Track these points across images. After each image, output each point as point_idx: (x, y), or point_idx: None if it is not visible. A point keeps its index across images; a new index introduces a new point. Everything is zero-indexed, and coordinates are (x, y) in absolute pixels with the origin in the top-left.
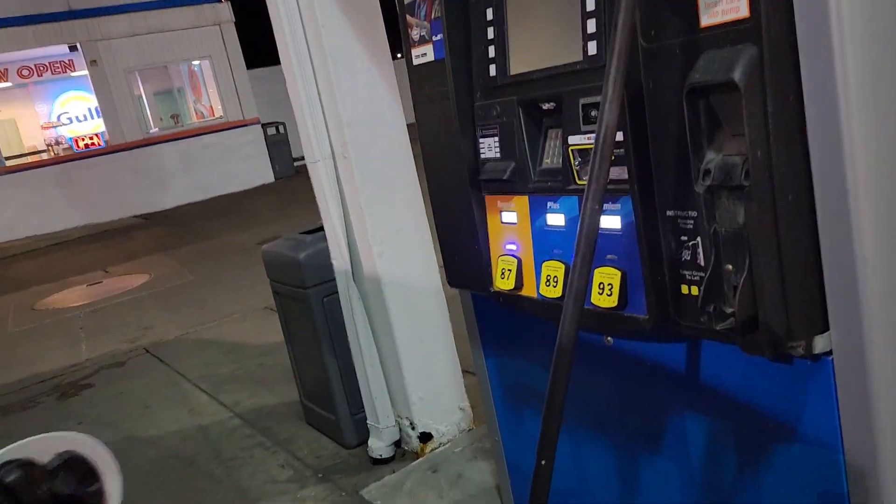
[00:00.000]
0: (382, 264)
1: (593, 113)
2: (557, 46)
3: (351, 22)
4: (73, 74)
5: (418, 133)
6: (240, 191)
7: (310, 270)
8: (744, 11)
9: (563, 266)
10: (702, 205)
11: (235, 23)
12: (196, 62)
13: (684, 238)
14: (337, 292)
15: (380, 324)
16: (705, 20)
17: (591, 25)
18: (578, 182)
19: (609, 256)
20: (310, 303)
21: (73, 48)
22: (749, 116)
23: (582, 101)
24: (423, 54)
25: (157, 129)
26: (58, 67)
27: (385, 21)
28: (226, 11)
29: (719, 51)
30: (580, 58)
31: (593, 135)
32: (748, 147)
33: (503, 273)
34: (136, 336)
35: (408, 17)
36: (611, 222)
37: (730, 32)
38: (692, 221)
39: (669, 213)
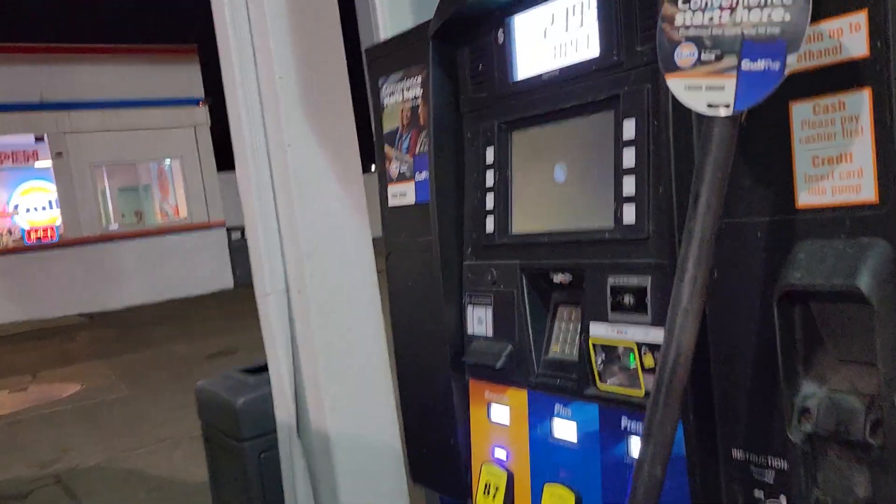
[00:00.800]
0: (334, 419)
1: (626, 299)
2: (578, 205)
3: (321, 142)
4: (36, 165)
5: (388, 285)
6: (196, 295)
7: (248, 419)
8: (869, 194)
9: (572, 496)
10: (797, 457)
11: (210, 125)
12: (167, 161)
13: (760, 495)
14: (277, 447)
15: (325, 490)
16: (804, 198)
17: (629, 185)
18: (601, 387)
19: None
20: (244, 457)
21: (39, 139)
22: (883, 343)
23: (611, 280)
24: (403, 194)
25: (117, 225)
26: (21, 157)
27: (357, 126)
28: (202, 114)
29: (828, 243)
30: (610, 224)
31: (623, 326)
32: (882, 386)
33: (488, 488)
34: (50, 459)
35: (386, 147)
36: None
37: (844, 219)
38: (775, 473)
39: (738, 454)
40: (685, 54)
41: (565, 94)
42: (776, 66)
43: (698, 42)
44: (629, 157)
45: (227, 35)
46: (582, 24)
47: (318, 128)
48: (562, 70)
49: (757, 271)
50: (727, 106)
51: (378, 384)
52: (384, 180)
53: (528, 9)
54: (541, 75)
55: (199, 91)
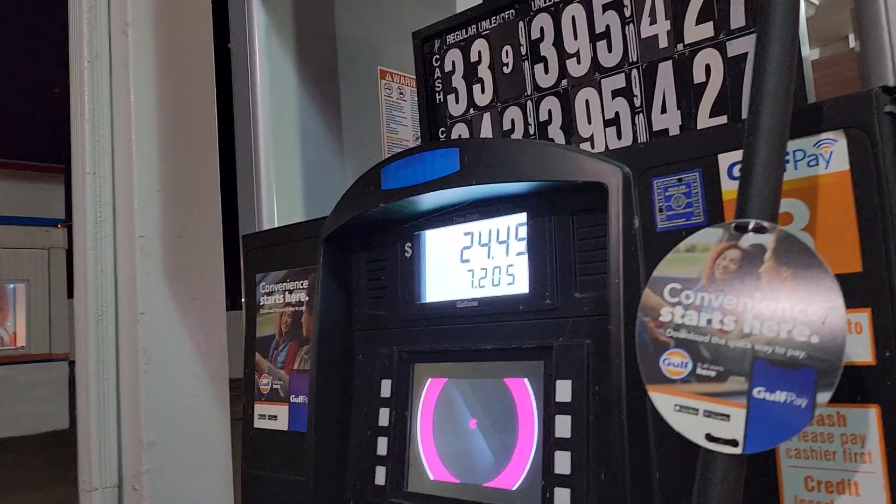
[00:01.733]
0: None
1: None
2: (495, 471)
3: (183, 309)
4: None
5: None
6: (21, 436)
7: None
8: None
9: None
10: None
11: (67, 249)
12: (11, 285)
13: None
14: None
15: None
16: None
17: (563, 463)
18: None
19: None
20: None
21: None
22: None
23: None
24: (273, 416)
25: None
26: None
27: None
28: (59, 237)
29: None
30: None
31: None
32: None
33: None
34: None
35: (258, 356)
36: None
37: None
38: None
39: None
40: (674, 363)
41: (484, 331)
42: (802, 402)
43: (692, 350)
44: (563, 427)
45: (83, 183)
46: (508, 253)
47: (180, 296)
48: (480, 301)
49: None
50: (734, 443)
51: None
52: (251, 395)
53: (444, 225)
54: (454, 303)
55: (59, 212)
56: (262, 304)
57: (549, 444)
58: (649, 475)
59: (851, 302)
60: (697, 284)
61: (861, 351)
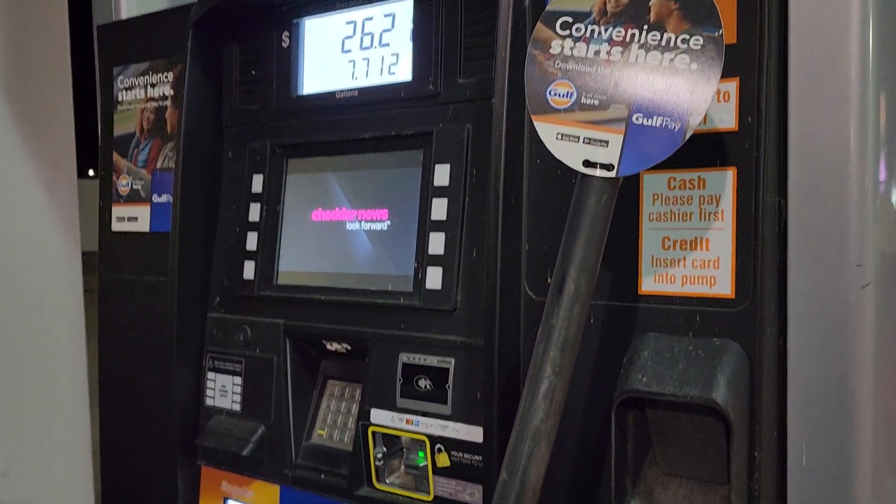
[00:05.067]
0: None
1: (421, 382)
2: (368, 259)
3: (25, 136)
4: None
5: (99, 333)
6: None
7: None
8: (724, 288)
9: None
10: None
11: None
12: None
13: None
14: None
15: None
16: (649, 285)
17: (437, 243)
18: (378, 487)
19: None
20: None
21: None
22: (738, 461)
23: (404, 357)
24: (133, 218)
25: None
26: None
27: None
28: None
29: (676, 341)
30: (409, 287)
31: (414, 416)
32: None
33: None
34: None
35: (116, 156)
36: None
37: (694, 315)
38: None
39: None
40: (560, 93)
41: (363, 121)
42: (676, 125)
43: (579, 80)
44: (439, 210)
45: None
46: (391, 42)
47: (21, 117)
48: (361, 91)
49: (588, 364)
50: (610, 167)
51: (72, 461)
52: (108, 197)
53: (325, 12)
54: (334, 93)
55: None
56: (120, 100)
57: (425, 226)
58: (518, 247)
59: (722, 72)
60: (589, 17)
61: (726, 118)
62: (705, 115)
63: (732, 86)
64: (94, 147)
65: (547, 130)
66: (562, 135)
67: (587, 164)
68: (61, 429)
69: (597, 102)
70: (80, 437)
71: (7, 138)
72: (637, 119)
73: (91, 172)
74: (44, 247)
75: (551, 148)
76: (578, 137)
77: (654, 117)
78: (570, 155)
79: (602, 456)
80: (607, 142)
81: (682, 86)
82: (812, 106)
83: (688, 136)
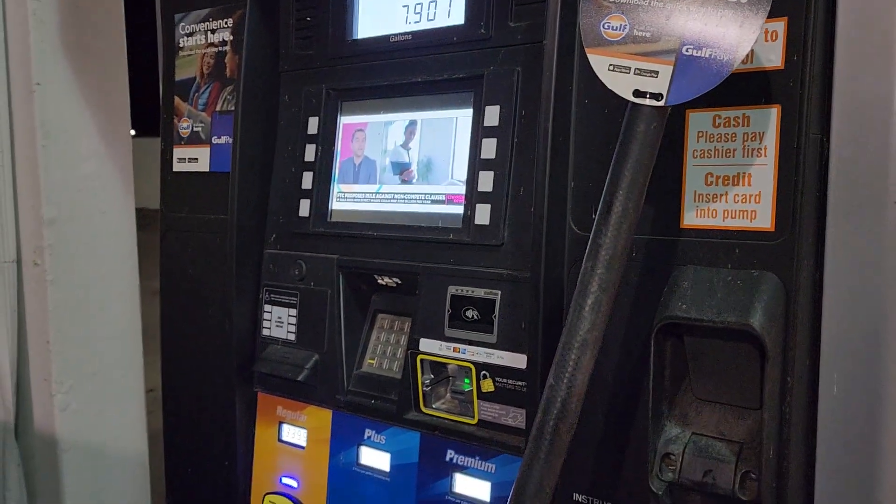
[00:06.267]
0: (66, 421)
1: (469, 313)
2: (420, 197)
3: (82, 84)
4: None
5: (161, 269)
6: None
7: None
8: (765, 222)
9: None
10: None
11: None
12: None
13: None
14: None
15: None
16: (691, 219)
17: (486, 181)
18: (426, 411)
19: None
20: None
21: None
22: (772, 386)
23: (453, 289)
24: (194, 159)
25: None
26: None
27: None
28: None
29: (716, 272)
30: (458, 224)
31: (461, 344)
32: (764, 434)
33: None
34: None
35: (177, 99)
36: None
37: (734, 248)
38: None
39: (580, 498)
40: (614, 26)
41: (417, 64)
42: (725, 56)
43: (632, 14)
44: (489, 149)
45: None
46: None
47: (79, 66)
48: (415, 35)
49: (629, 295)
50: (659, 96)
51: (127, 385)
52: (169, 139)
53: None
54: (388, 37)
55: None
56: (180, 46)
57: (475, 165)
58: (565, 185)
59: (769, 12)
60: None
61: (773, 57)
62: (752, 53)
63: (780, 25)
64: (150, 97)
65: (599, 62)
66: (614, 66)
67: (637, 93)
68: (116, 368)
69: (648, 35)
70: (133, 377)
71: (64, 86)
72: (687, 50)
73: (133, 132)
74: (98, 193)
75: (604, 79)
76: (629, 68)
77: (704, 49)
78: (622, 85)
79: (640, 381)
80: (657, 72)
81: (732, 18)
82: (857, 48)
83: (734, 68)
